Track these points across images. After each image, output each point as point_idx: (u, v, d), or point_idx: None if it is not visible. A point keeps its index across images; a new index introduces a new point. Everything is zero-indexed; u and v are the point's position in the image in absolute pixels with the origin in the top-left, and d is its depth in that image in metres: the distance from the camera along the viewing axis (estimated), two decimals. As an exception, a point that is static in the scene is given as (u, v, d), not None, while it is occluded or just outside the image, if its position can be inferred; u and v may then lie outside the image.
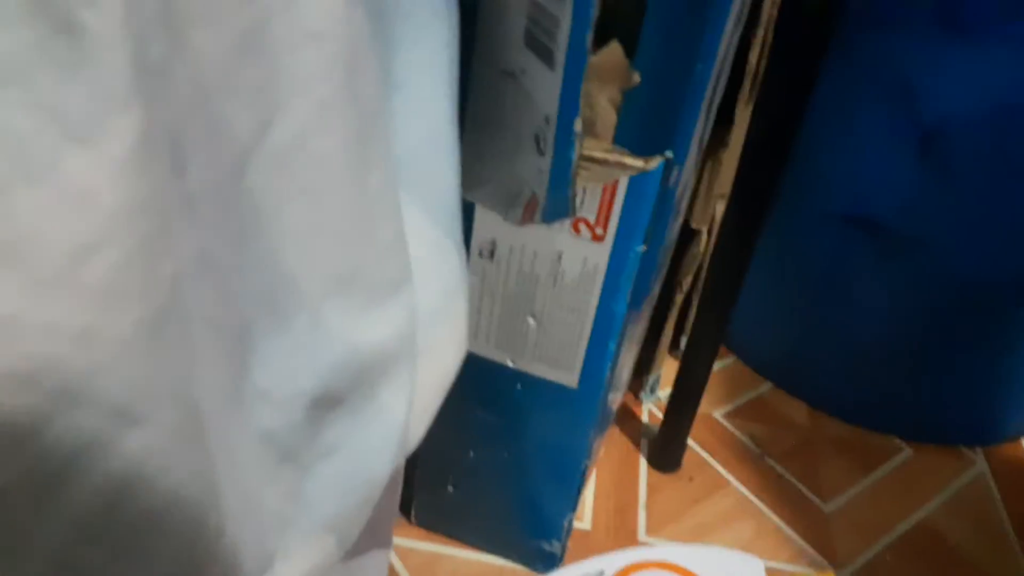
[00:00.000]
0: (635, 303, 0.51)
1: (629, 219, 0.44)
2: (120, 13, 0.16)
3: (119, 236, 0.17)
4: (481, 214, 0.46)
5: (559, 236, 0.46)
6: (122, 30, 0.17)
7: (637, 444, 0.74)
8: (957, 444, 0.80)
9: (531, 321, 0.50)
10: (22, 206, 0.16)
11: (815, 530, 0.68)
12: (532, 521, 0.59)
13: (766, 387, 0.83)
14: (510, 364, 0.52)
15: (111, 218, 0.17)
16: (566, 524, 0.59)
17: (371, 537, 0.32)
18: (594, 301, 0.48)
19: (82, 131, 0.16)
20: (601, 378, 0.51)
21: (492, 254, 0.48)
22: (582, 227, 0.45)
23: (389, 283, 0.28)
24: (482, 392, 0.53)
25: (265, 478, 0.24)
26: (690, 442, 0.73)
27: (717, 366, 0.68)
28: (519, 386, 0.52)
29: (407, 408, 0.30)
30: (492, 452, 0.56)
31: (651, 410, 0.78)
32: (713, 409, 0.79)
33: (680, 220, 0.64)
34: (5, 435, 0.16)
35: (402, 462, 0.32)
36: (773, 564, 0.64)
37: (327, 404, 0.27)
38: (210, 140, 0.20)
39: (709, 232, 0.68)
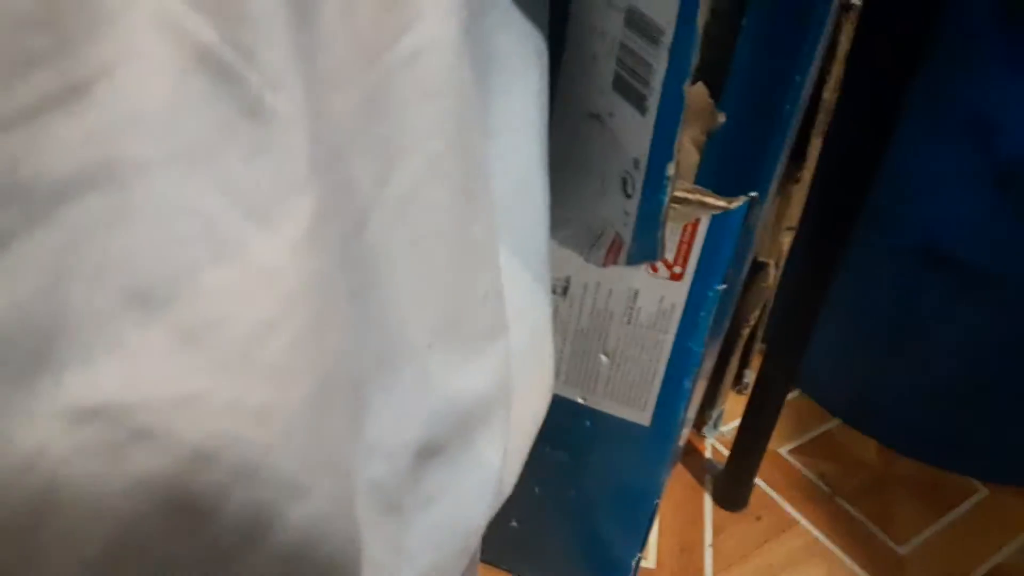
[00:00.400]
0: (710, 339, 0.50)
1: (709, 258, 0.44)
2: (301, 95, 0.17)
3: (295, 314, 0.17)
4: (555, 251, 0.46)
5: (635, 274, 0.45)
6: (303, 111, 0.17)
7: (701, 481, 0.73)
8: (1035, 486, 0.77)
9: (604, 358, 0.49)
10: (210, 286, 0.16)
11: (889, 574, 0.66)
12: (599, 560, 0.59)
13: (833, 423, 0.81)
14: (581, 401, 0.51)
15: (289, 297, 0.17)
16: (634, 564, 0.58)
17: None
18: (670, 339, 0.47)
19: (265, 212, 0.17)
20: (675, 417, 0.50)
21: (565, 291, 0.48)
22: (660, 265, 0.45)
23: (488, 331, 0.28)
24: (551, 428, 0.52)
25: (373, 530, 0.24)
26: (756, 478, 0.72)
27: (782, 401, 0.66)
28: (589, 423, 0.52)
29: (502, 456, 0.29)
30: (559, 489, 0.56)
31: (715, 446, 0.77)
32: (779, 445, 0.77)
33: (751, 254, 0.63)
34: (190, 512, 0.16)
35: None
36: (845, 608, 0.63)
37: (428, 454, 0.27)
38: (341, 198, 0.21)
39: (776, 265, 0.67)
